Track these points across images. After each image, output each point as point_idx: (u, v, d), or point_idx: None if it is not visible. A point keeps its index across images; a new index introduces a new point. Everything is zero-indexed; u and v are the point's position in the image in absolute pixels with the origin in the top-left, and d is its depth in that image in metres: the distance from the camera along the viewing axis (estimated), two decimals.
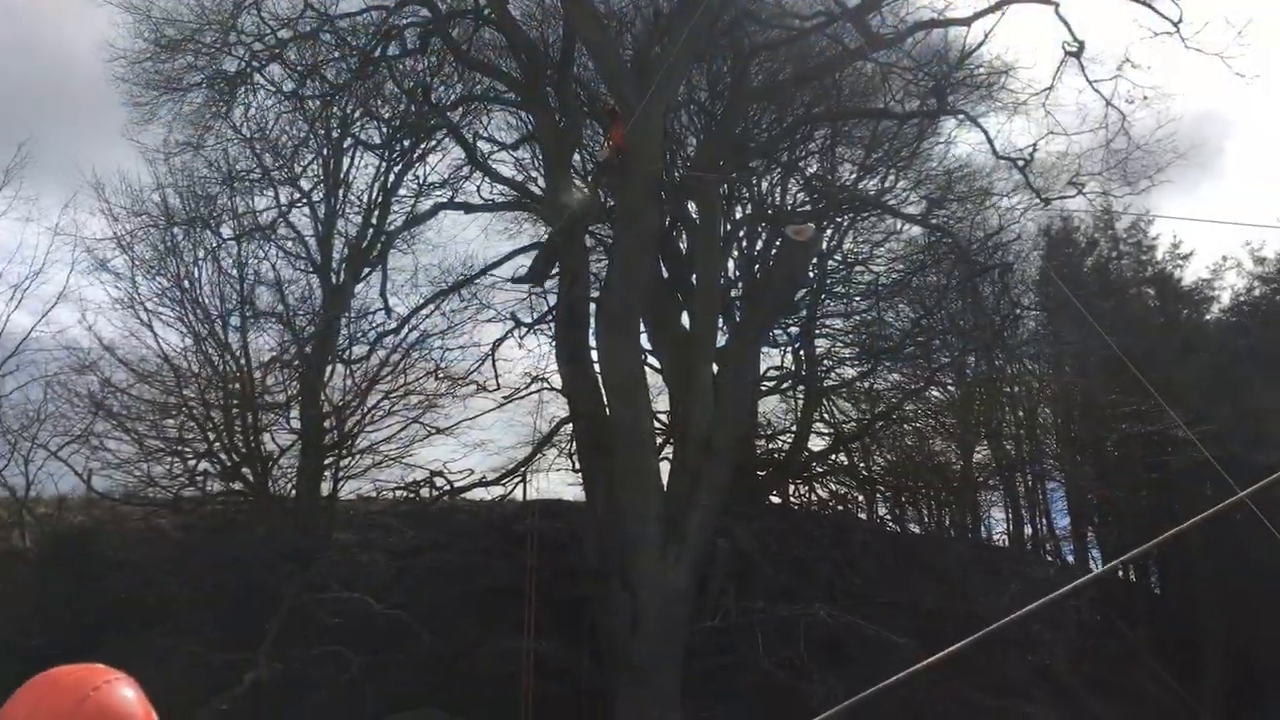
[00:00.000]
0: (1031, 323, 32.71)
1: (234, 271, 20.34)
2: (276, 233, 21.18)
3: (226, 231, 20.80)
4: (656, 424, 20.40)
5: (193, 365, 19.75)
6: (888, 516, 30.34)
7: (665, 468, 19.25)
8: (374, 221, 21.72)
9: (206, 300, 19.90)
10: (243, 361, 19.85)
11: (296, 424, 20.15)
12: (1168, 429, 29.74)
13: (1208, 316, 43.99)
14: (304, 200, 21.60)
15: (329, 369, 20.55)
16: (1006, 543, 37.68)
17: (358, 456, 21.09)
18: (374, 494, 21.70)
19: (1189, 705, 29.24)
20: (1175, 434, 29.65)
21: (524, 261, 22.38)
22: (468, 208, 21.58)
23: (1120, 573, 44.55)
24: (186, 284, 19.82)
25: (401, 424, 21.22)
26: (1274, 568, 37.46)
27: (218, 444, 19.38)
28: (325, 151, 21.82)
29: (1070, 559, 38.67)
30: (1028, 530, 40.00)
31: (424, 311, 21.58)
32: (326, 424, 20.24)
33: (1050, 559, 37.88)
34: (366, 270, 21.48)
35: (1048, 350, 31.95)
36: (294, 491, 19.87)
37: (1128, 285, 42.06)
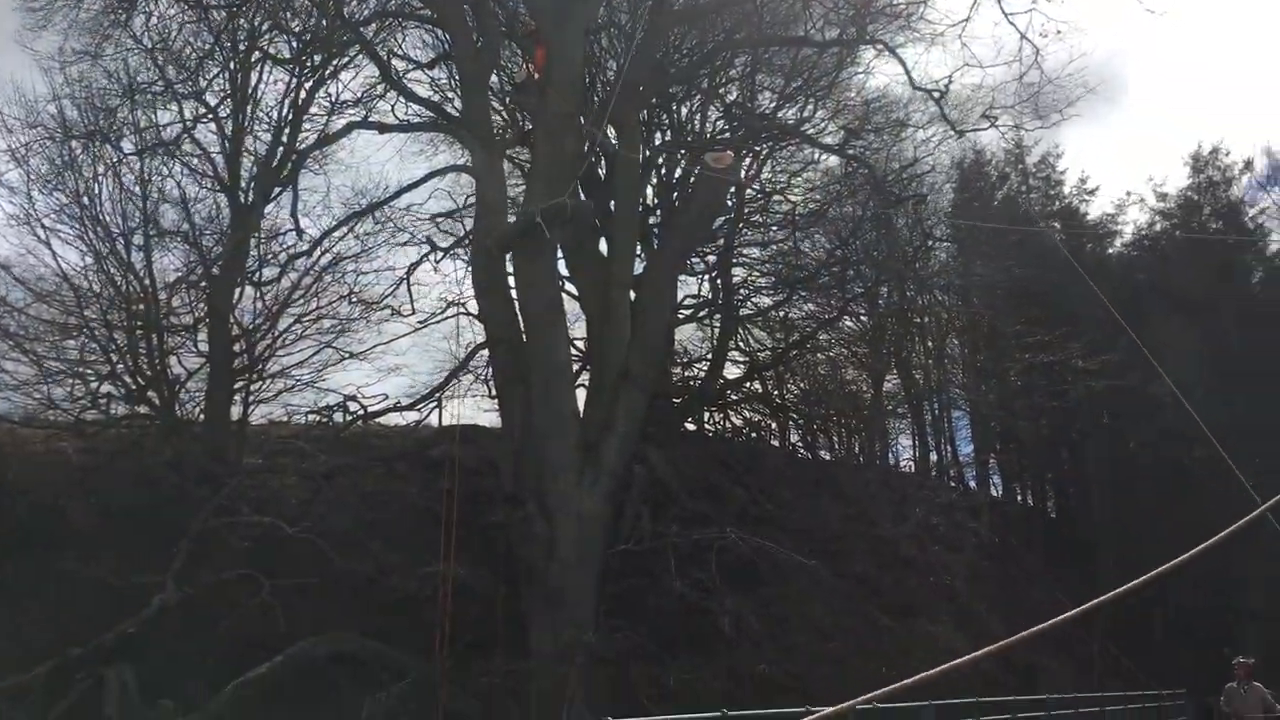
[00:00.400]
0: (943, 254, 33.32)
1: (136, 188, 19.67)
2: (181, 149, 20.48)
3: (128, 146, 20.05)
4: (573, 351, 20.43)
5: (94, 285, 19.18)
6: (800, 444, 30.91)
7: (582, 395, 19.36)
8: (284, 140, 21.10)
9: (107, 218, 19.25)
10: (147, 282, 19.32)
11: (204, 347, 19.75)
12: (1068, 359, 30.70)
13: (1111, 250, 45.32)
14: (210, 116, 20.86)
15: (238, 291, 20.10)
16: (913, 468, 38.73)
17: (268, 380, 20.82)
18: (286, 418, 21.47)
19: (1080, 623, 30.58)
20: (1075, 364, 30.65)
21: (440, 184, 22.06)
22: (382, 128, 21.05)
23: (1018, 498, 46.28)
24: (86, 200, 19.14)
25: (314, 348, 21.00)
26: (1164, 498, 39.12)
27: (121, 366, 18.91)
28: (232, 65, 21.05)
29: (972, 484, 39.97)
30: (933, 457, 41.18)
31: (337, 234, 21.16)
32: (236, 347, 19.87)
33: (954, 484, 39.06)
34: (276, 190, 20.92)
35: (957, 282, 32.59)
36: (202, 415, 19.54)
37: (1036, 218, 42.97)
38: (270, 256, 21.05)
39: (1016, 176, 45.39)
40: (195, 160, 20.69)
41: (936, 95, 21.61)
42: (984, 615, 26.84)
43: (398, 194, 21.39)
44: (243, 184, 20.68)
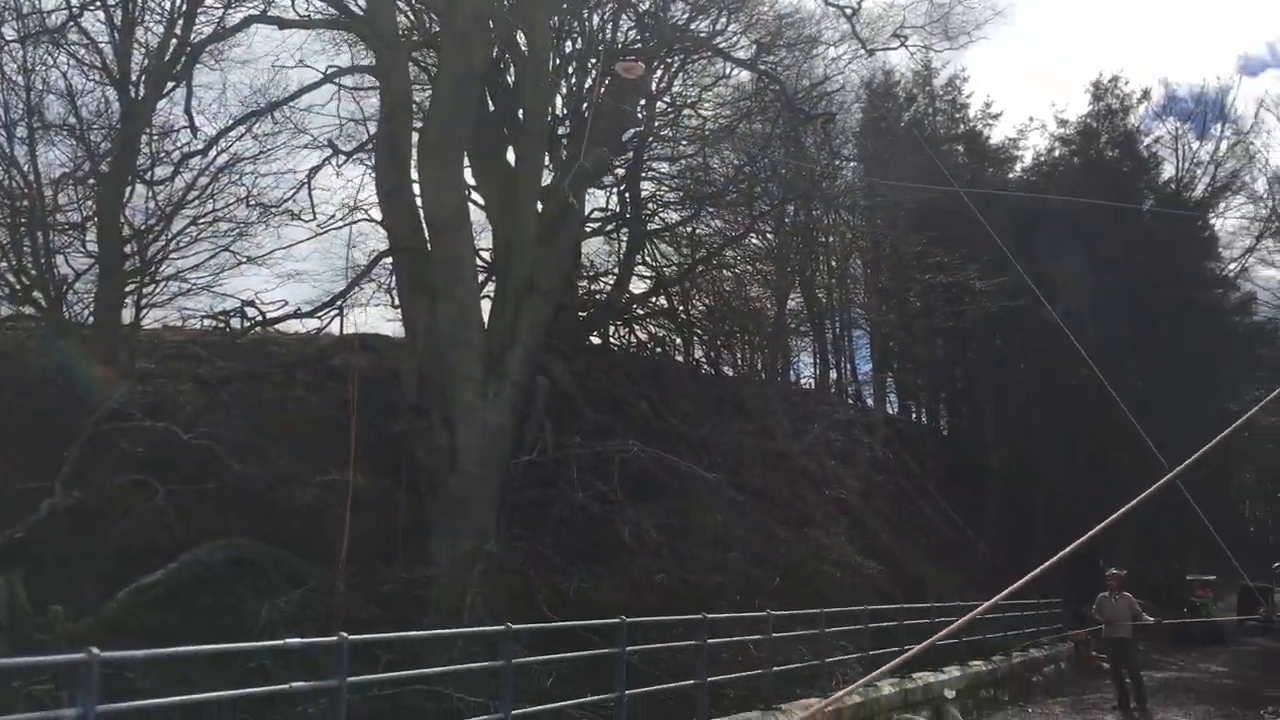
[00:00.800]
0: (849, 174, 33.59)
1: (19, 78, 18.77)
2: (67, 38, 19.46)
3: (9, 33, 19.00)
4: (479, 261, 20.21)
5: None
6: (703, 359, 31.24)
7: (486, 305, 19.20)
8: (177, 32, 20.18)
9: None
10: (31, 177, 18.52)
11: (93, 247, 19.06)
12: (966, 281, 31.44)
13: (1011, 175, 46.28)
14: (97, 3, 19.82)
15: (129, 190, 19.36)
16: (813, 386, 39.48)
17: (162, 284, 20.27)
18: (180, 323, 20.94)
19: (968, 535, 31.85)
20: (973, 285, 31.39)
21: (343, 85, 21.42)
22: (281, 23, 20.21)
23: (914, 415, 47.58)
24: None
25: (210, 251, 20.50)
26: (1051, 418, 40.58)
27: (4, 265, 18.20)
28: None
29: (870, 402, 40.97)
30: (833, 375, 42.05)
31: (234, 133, 20.47)
32: (127, 248, 19.21)
33: (852, 402, 39.95)
34: (169, 85, 20.07)
35: (863, 202, 32.96)
36: (91, 318, 18.94)
37: (941, 141, 43.57)
38: (163, 155, 20.33)
39: (924, 99, 45.87)
40: (82, 51, 19.74)
41: (849, 11, 21.66)
42: (876, 529, 27.75)
43: (298, 94, 20.70)
44: (133, 77, 19.79)
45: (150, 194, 19.75)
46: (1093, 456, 41.90)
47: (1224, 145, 48.47)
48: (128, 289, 19.21)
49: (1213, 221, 50.38)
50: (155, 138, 20.16)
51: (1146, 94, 50.03)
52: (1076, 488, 40.55)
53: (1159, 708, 19.93)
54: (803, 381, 40.87)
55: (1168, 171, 48.32)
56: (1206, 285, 49.29)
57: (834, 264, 38.16)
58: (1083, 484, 40.30)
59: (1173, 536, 40.48)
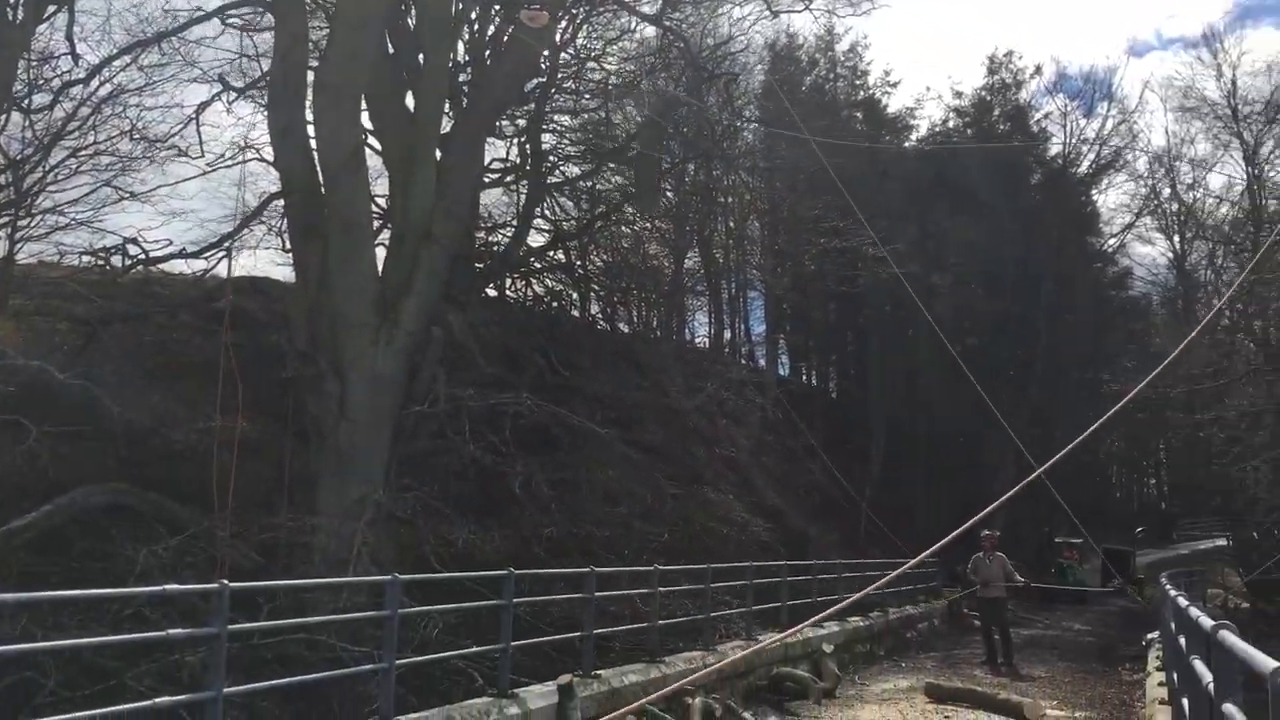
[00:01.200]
0: (749, 135, 33.77)
1: None
2: None
3: None
4: (375, 208, 19.83)
5: None
6: (600, 315, 31.29)
7: (381, 253, 18.88)
8: None
9: None
10: None
11: None
12: (860, 245, 31.98)
13: (907, 144, 47.12)
14: None
15: (4, 118, 18.44)
16: (707, 345, 39.85)
17: (38, 217, 19.43)
18: (57, 259, 20.14)
19: (851, 496, 32.64)
20: (866, 251, 31.94)
21: (235, 17, 20.69)
22: None
23: (804, 377, 48.39)
24: None
25: (91, 185, 19.70)
26: (936, 384, 41.66)
27: None
28: None
29: (762, 363, 41.56)
30: (727, 334, 42.49)
31: (118, 63, 19.65)
32: (1, 179, 18.36)
33: (745, 362, 40.45)
34: (51, 9, 19.13)
35: (763, 164, 33.19)
36: None
37: (840, 107, 44.10)
38: (42, 82, 19.38)
39: (825, 64, 46.30)
40: None
41: None
42: (764, 487, 28.28)
43: (187, 25, 19.95)
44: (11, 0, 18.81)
45: (27, 123, 18.87)
46: (976, 424, 43.25)
47: (1109, 124, 50.14)
48: (1, 222, 18.37)
49: (1095, 198, 52.22)
50: (34, 64, 19.21)
51: (1039, 70, 51.34)
52: (958, 453, 41.90)
53: (1024, 663, 20.83)
54: (697, 340, 41.27)
55: (1056, 147, 49.81)
56: (1088, 260, 51.07)
57: (732, 225, 38.46)
58: (964, 450, 41.64)
59: (1043, 500, 42.14)
